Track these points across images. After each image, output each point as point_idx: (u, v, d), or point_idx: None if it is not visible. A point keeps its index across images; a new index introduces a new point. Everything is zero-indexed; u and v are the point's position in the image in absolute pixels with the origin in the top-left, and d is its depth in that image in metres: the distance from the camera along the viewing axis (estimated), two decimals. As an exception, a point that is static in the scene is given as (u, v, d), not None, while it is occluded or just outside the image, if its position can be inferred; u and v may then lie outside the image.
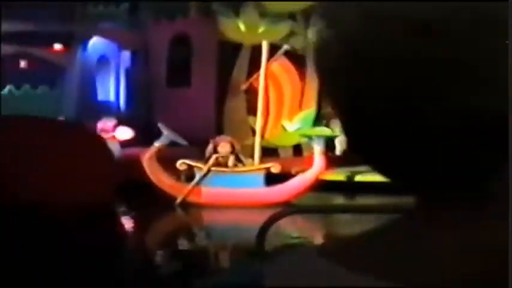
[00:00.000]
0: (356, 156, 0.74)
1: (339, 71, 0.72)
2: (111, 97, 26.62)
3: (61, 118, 20.31)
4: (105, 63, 26.33)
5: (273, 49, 20.07)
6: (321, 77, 0.75)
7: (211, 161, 17.48)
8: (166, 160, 17.23)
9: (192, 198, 17.14)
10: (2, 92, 25.07)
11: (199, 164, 17.54)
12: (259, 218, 15.34)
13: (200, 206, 16.90)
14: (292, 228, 13.54)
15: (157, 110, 24.10)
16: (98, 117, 21.47)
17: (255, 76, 20.28)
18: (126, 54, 26.55)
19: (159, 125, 17.90)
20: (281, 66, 22.09)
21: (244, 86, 21.25)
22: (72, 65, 25.25)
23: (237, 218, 16.00)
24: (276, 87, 22.67)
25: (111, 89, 26.62)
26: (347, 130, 0.74)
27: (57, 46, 25.38)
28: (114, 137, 20.26)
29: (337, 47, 0.71)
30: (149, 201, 15.90)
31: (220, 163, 17.69)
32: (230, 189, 17.09)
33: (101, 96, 26.24)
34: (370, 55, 0.69)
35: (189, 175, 17.63)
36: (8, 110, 21.73)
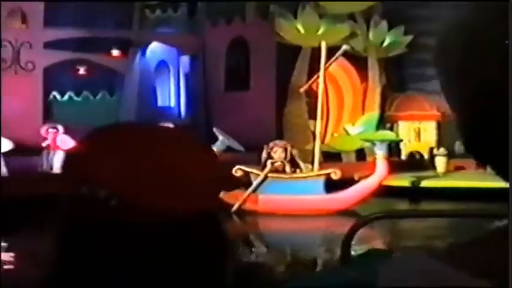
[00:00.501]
0: (473, 156, 0.73)
1: (460, 69, 0.71)
2: (171, 103, 26.39)
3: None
4: (164, 69, 26.12)
5: (333, 51, 19.42)
6: (441, 76, 0.74)
7: (268, 167, 16.94)
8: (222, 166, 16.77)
9: (249, 206, 16.66)
10: (62, 99, 25.09)
11: (255, 171, 17.02)
12: (317, 225, 14.73)
13: (257, 214, 16.40)
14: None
15: (214, 115, 23.77)
16: (156, 123, 21.21)
17: (314, 78, 19.69)
18: (185, 59, 26.27)
19: (215, 130, 17.47)
20: (340, 68, 21.48)
21: (302, 89, 20.64)
22: (131, 71, 25.08)
23: (295, 226, 15.41)
24: (336, 89, 22.06)
25: (170, 94, 26.40)
26: (464, 129, 0.73)
27: (116, 52, 25.25)
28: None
29: (458, 46, 0.71)
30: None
31: (278, 169, 17.14)
32: (288, 197, 16.50)
33: (159, 102, 26.03)
34: (492, 52, 0.68)
35: (246, 182, 17.11)
36: (69, 116, 21.67)
